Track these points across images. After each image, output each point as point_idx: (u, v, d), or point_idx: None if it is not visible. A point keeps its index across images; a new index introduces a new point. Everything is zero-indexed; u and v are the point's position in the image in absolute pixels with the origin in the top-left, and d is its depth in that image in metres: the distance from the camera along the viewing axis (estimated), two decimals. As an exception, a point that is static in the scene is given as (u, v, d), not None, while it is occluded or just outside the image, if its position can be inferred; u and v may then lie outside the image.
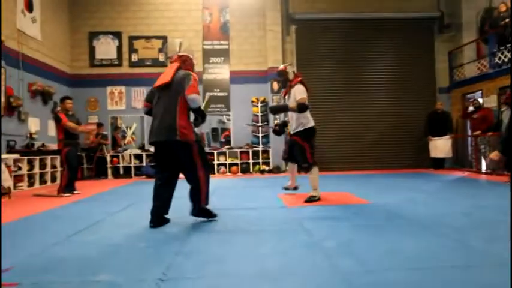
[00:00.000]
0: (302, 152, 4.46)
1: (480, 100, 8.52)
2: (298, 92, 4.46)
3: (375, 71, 10.03)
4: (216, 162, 9.47)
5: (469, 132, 8.91)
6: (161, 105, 3.27)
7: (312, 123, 4.58)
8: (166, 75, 3.33)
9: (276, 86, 9.45)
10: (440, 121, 8.97)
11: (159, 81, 3.33)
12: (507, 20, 7.70)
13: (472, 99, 8.70)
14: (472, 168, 8.39)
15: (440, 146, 8.87)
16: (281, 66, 4.83)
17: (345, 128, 9.79)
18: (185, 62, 3.45)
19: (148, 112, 3.47)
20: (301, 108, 4.39)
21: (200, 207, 3.36)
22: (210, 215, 3.44)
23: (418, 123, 9.50)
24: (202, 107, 3.40)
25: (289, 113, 4.69)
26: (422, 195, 4.92)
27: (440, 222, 3.20)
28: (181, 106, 3.22)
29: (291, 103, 4.51)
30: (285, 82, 4.71)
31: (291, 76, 4.66)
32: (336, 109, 9.83)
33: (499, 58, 8.00)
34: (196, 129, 3.48)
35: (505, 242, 2.33)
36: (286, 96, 4.74)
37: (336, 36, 9.98)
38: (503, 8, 8.01)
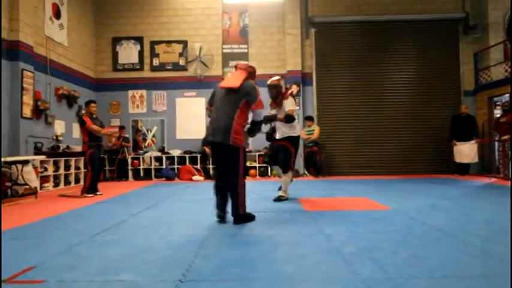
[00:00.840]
0: (287, 156, 4.78)
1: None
2: (289, 104, 4.76)
3: (396, 74, 9.82)
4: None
5: (496, 137, 8.60)
6: (222, 108, 3.49)
7: (298, 133, 4.96)
8: (235, 80, 3.54)
9: (295, 89, 9.41)
10: (465, 125, 8.68)
11: (227, 84, 3.56)
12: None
13: (502, 102, 8.38)
14: (499, 174, 8.08)
15: (466, 151, 8.58)
16: (275, 80, 4.91)
17: (365, 132, 9.62)
18: (251, 74, 3.69)
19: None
20: (288, 119, 4.67)
21: (240, 215, 3.49)
22: (249, 219, 3.56)
23: (442, 127, 9.22)
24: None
25: (277, 122, 4.90)
26: (445, 201, 4.77)
27: (464, 229, 3.10)
28: (239, 114, 3.46)
29: (282, 114, 4.76)
30: (277, 95, 4.85)
31: (283, 90, 4.90)
32: (356, 112, 9.69)
33: (528, 60, 7.71)
34: None
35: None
36: (276, 109, 4.93)
37: (356, 39, 9.86)
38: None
